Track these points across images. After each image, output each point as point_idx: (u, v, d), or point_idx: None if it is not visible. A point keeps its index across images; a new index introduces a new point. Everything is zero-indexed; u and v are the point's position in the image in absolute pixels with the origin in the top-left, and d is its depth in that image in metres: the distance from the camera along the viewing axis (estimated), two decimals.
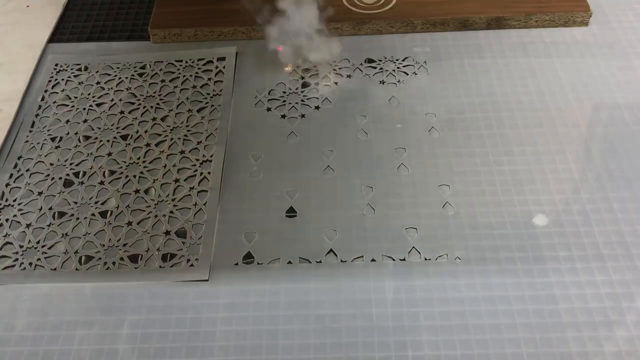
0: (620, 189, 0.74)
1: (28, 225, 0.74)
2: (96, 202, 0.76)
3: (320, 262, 0.69)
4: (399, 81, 0.88)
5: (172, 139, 0.82)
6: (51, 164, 0.80)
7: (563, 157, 0.78)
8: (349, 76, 0.89)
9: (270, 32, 0.88)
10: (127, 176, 0.78)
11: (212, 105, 0.86)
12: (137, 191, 0.77)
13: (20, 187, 0.78)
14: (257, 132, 0.83)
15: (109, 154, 0.81)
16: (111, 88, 0.89)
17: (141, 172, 0.78)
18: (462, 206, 0.73)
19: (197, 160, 0.80)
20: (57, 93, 0.89)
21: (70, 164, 0.80)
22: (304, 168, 0.78)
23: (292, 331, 0.64)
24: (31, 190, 0.77)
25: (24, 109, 0.87)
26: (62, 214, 0.75)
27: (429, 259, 0.69)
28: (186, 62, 0.92)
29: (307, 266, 0.69)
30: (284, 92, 0.88)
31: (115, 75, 0.91)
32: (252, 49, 0.93)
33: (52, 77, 0.91)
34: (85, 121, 0.85)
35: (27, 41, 0.98)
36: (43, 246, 0.72)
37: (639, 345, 0.61)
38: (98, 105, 0.87)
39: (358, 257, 0.69)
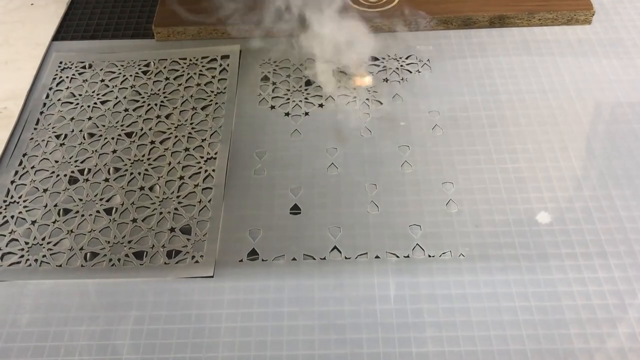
0: (622, 187, 0.75)
1: (33, 222, 0.74)
2: (101, 199, 0.76)
3: (325, 258, 0.70)
4: (402, 79, 0.88)
5: (176, 136, 0.83)
6: (56, 161, 0.80)
7: (566, 154, 0.78)
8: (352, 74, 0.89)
9: None
10: (131, 173, 0.79)
11: (216, 103, 0.86)
12: (141, 188, 0.77)
13: (25, 184, 0.78)
14: (261, 130, 0.83)
15: (114, 152, 0.81)
16: (115, 86, 0.90)
17: (146, 170, 0.79)
18: (465, 204, 0.74)
19: (202, 157, 0.80)
20: (62, 91, 0.89)
21: (75, 161, 0.80)
22: (308, 165, 0.79)
23: (297, 327, 0.64)
24: (36, 188, 0.78)
25: (29, 106, 0.88)
26: (67, 211, 0.75)
27: (433, 256, 0.69)
28: (190, 60, 0.93)
29: (311, 263, 0.69)
30: (288, 90, 0.88)
31: (120, 73, 0.91)
32: (256, 46, 0.94)
33: (56, 74, 0.92)
34: (89, 119, 0.85)
35: (32, 39, 0.98)
36: (48, 243, 0.72)
37: None
38: (102, 102, 0.88)
39: (362, 254, 0.70)
